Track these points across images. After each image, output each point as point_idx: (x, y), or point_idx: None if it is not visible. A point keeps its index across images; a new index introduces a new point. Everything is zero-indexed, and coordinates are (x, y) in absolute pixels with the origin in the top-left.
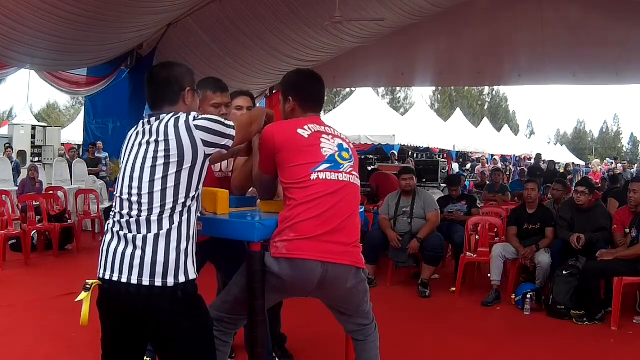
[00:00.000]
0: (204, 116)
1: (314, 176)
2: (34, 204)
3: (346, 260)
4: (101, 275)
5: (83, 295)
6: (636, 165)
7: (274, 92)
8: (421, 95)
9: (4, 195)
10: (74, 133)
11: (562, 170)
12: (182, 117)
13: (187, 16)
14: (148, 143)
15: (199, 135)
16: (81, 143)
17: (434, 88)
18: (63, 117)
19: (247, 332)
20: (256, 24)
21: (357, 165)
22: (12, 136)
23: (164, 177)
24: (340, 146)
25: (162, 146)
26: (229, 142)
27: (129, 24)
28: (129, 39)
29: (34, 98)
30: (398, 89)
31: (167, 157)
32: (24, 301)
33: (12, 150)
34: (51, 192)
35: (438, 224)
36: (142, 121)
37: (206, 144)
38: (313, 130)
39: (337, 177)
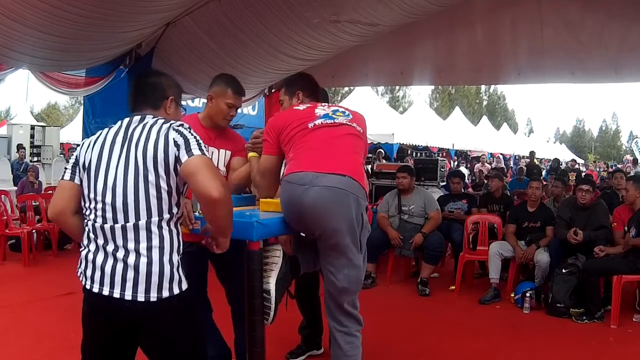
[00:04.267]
0: (188, 128)
1: (310, 125)
2: (33, 203)
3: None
4: (88, 287)
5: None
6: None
7: (273, 91)
8: (420, 93)
9: (3, 195)
10: (73, 133)
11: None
12: (174, 123)
13: (185, 15)
14: (129, 147)
15: (172, 135)
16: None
17: (432, 87)
18: (62, 116)
19: (244, 331)
20: (255, 23)
21: (356, 120)
22: (11, 136)
23: (148, 189)
24: (335, 110)
25: (146, 152)
26: (184, 156)
27: (128, 23)
28: (128, 38)
29: (34, 98)
30: (397, 87)
31: (145, 163)
32: (23, 301)
33: (25, 151)
34: (50, 192)
35: (440, 221)
36: (121, 121)
37: (176, 144)
38: (308, 104)
39: (333, 122)
